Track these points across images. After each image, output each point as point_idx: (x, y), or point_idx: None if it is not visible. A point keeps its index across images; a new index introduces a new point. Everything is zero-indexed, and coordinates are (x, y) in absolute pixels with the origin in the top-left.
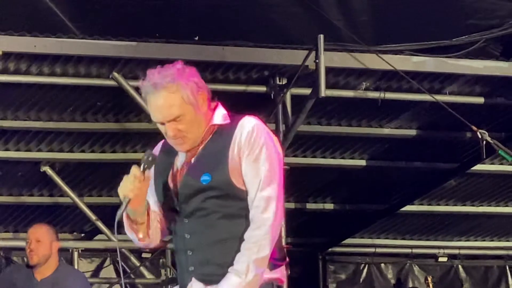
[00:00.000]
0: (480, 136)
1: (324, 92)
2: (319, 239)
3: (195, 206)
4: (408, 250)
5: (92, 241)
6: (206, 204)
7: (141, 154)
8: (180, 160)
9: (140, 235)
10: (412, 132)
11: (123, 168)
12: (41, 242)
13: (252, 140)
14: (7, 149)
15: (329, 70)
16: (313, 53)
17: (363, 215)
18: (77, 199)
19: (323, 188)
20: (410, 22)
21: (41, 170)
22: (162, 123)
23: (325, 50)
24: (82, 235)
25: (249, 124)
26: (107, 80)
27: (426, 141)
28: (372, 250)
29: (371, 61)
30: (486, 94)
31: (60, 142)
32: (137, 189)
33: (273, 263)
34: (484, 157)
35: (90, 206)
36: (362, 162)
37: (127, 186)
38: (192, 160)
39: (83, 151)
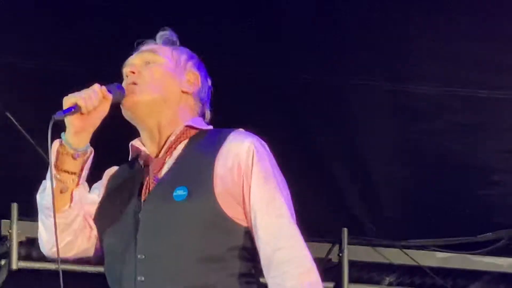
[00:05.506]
0: None
1: (347, 286)
2: None
3: (160, 238)
4: None
5: None
6: (177, 237)
7: None
8: (141, 180)
9: (60, 190)
10: None
11: None
12: None
13: (258, 158)
14: None
15: (352, 263)
16: (336, 246)
17: None
18: None
19: None
20: (435, 218)
21: None
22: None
23: (349, 243)
24: None
25: (248, 138)
26: None
27: None
28: None
29: (395, 256)
30: None
31: None
32: (91, 102)
33: None
34: None
35: None
36: None
37: (79, 94)
38: (161, 173)
39: None
